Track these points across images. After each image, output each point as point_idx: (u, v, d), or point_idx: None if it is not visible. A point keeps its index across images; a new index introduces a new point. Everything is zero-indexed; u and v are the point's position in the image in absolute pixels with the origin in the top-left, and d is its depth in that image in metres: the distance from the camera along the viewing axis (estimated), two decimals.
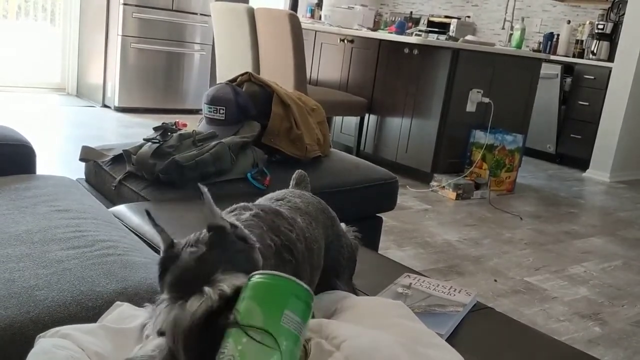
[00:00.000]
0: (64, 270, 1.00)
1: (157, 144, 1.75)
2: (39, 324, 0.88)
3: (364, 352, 0.73)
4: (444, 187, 3.92)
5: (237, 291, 0.64)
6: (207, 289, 0.63)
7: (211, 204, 0.70)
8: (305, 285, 0.66)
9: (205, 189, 0.70)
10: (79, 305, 0.93)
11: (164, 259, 0.69)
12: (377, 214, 2.19)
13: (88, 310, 0.93)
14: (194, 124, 2.07)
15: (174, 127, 1.87)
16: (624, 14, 5.10)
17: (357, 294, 1.12)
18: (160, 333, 0.65)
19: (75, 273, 1.00)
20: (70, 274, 0.99)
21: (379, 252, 1.99)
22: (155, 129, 1.86)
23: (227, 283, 0.64)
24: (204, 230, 0.70)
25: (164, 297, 0.65)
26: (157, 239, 1.38)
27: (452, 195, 3.86)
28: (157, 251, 1.25)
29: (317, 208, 1.06)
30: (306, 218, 0.98)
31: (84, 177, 1.97)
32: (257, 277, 0.65)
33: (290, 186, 1.17)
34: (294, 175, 1.19)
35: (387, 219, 2.76)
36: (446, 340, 0.99)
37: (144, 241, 1.29)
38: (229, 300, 0.64)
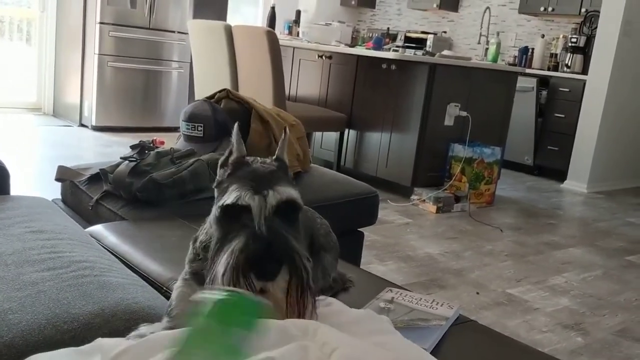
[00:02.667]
0: (38, 292, 0.98)
1: (135, 163, 1.73)
2: (12, 348, 0.85)
3: None
4: (424, 200, 3.93)
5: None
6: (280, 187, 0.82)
7: (284, 142, 0.93)
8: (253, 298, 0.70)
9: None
10: (54, 328, 0.91)
11: (238, 159, 0.87)
12: (359, 229, 2.18)
13: (64, 333, 0.90)
14: (172, 142, 2.05)
15: (152, 145, 1.85)
16: (596, 27, 5.20)
17: (344, 278, 1.19)
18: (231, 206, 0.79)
19: (51, 295, 0.97)
20: (45, 297, 0.97)
21: (361, 267, 1.98)
22: (133, 147, 1.84)
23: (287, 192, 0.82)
24: (270, 158, 0.91)
25: (237, 186, 0.81)
26: (135, 259, 1.35)
27: (433, 208, 3.87)
28: (134, 271, 1.23)
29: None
30: None
31: (60, 197, 1.94)
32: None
33: None
34: None
35: (369, 233, 2.75)
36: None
37: (121, 261, 1.27)
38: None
